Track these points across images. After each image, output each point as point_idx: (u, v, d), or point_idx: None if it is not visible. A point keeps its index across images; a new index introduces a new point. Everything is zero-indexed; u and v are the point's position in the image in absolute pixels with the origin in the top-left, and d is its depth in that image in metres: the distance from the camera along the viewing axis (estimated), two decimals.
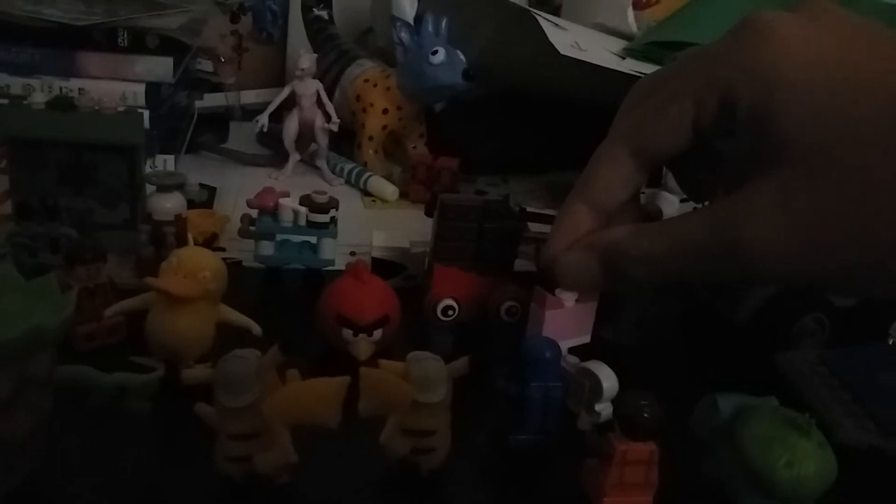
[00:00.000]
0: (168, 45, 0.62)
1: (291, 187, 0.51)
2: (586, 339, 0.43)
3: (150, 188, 0.49)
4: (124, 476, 0.32)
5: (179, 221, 0.46)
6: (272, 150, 0.70)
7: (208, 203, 0.60)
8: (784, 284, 0.27)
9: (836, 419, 0.38)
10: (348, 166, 0.68)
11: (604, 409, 0.36)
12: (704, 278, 0.31)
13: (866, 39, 0.26)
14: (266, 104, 0.68)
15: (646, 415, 0.31)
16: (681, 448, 0.33)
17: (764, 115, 0.26)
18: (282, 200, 0.47)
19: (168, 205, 0.47)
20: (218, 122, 0.76)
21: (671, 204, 0.52)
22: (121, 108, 0.48)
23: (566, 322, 0.41)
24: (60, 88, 0.61)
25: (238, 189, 0.63)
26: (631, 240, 0.30)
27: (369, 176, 0.67)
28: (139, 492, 0.31)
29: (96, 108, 0.47)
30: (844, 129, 0.24)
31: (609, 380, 0.36)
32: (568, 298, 0.41)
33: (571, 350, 0.42)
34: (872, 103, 0.24)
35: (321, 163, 0.68)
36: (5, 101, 0.57)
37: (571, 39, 0.60)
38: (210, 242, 0.50)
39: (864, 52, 0.25)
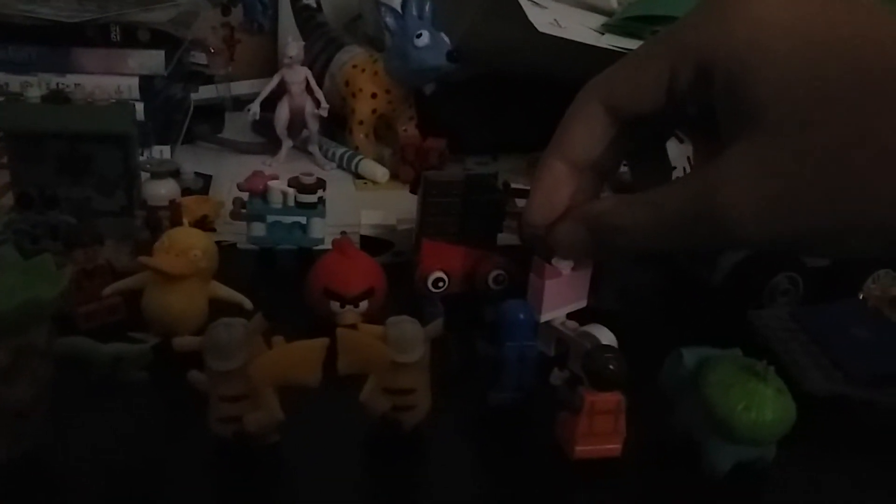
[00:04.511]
0: (159, 39, 0.64)
1: (286, 173, 0.53)
2: (583, 304, 0.45)
3: (145, 176, 0.51)
4: (124, 441, 0.34)
5: (174, 206, 0.48)
6: (266, 138, 0.72)
7: (204, 190, 0.62)
8: (762, 248, 0.27)
9: (804, 370, 0.39)
10: (340, 150, 0.70)
11: None
12: (687, 247, 0.31)
13: (842, 5, 0.26)
14: (258, 94, 0.70)
15: (611, 367, 0.32)
16: (654, 402, 0.35)
17: (739, 82, 0.26)
18: (271, 183, 0.49)
19: (162, 191, 0.49)
20: (213, 113, 0.78)
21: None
22: (113, 100, 0.50)
23: (564, 290, 0.43)
24: (57, 85, 0.63)
25: (233, 177, 0.64)
26: (615, 211, 0.30)
27: (360, 159, 0.69)
28: (139, 455, 0.33)
29: (89, 100, 0.49)
30: (817, 94, 0.24)
31: (609, 339, 0.38)
32: (565, 267, 0.43)
33: (569, 316, 0.43)
34: (842, 67, 0.24)
35: (313, 148, 0.70)
36: (2, 98, 0.59)
37: (551, 17, 0.61)
38: (201, 224, 0.52)
39: (837, 18, 0.26)
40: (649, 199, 0.29)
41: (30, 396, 0.31)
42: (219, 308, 0.40)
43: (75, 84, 0.63)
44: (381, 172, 0.68)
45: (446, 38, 0.66)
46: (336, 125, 0.72)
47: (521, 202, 0.60)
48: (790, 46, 0.25)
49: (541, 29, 0.59)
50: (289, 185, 0.50)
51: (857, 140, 0.24)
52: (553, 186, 0.33)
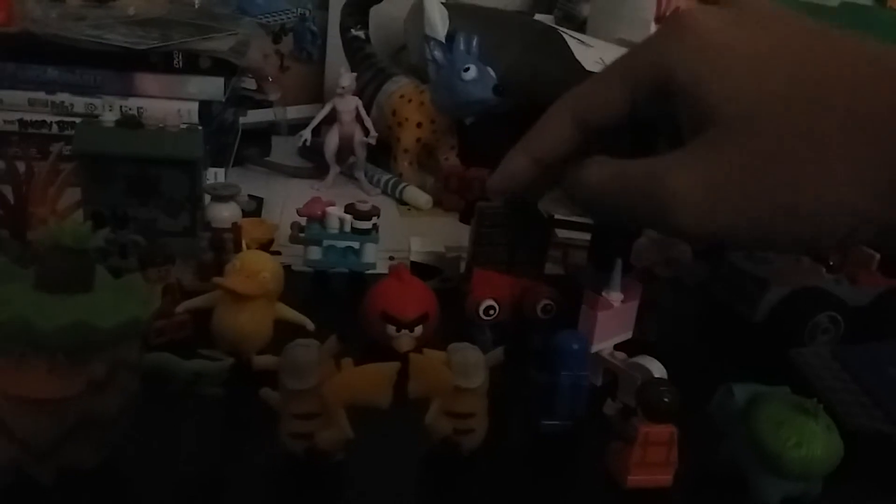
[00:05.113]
0: (219, 66, 0.67)
1: (332, 197, 0.55)
2: (629, 335, 0.46)
3: (207, 198, 0.53)
4: (193, 454, 0.36)
5: (235, 228, 0.50)
6: (313, 163, 0.75)
7: (257, 213, 0.65)
8: (698, 239, 0.31)
9: (845, 408, 0.40)
10: (385, 177, 0.73)
11: None
12: (637, 222, 0.37)
13: (782, 25, 0.30)
14: (305, 119, 0.73)
15: (666, 399, 0.34)
16: (700, 434, 0.36)
17: (692, 92, 0.30)
18: (329, 209, 0.52)
19: (225, 213, 0.51)
20: (261, 137, 0.80)
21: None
22: (182, 126, 0.53)
23: (614, 321, 0.44)
24: (120, 107, 0.66)
25: (283, 199, 0.67)
26: (583, 167, 0.34)
27: (404, 186, 0.71)
28: (212, 466, 0.35)
29: (161, 125, 0.52)
30: (761, 99, 0.28)
31: (660, 372, 0.39)
32: (615, 299, 0.44)
33: (616, 347, 0.45)
34: (783, 76, 0.28)
35: (359, 174, 0.73)
36: (77, 119, 0.62)
37: (597, 56, 0.64)
38: (267, 247, 0.54)
39: (776, 35, 0.30)
40: (613, 166, 0.33)
41: (118, 408, 0.33)
42: (282, 328, 0.42)
43: (138, 107, 0.66)
44: (424, 199, 0.70)
45: (492, 72, 0.69)
46: (380, 152, 0.75)
47: (561, 232, 0.62)
48: (735, 60, 0.29)
49: (588, 67, 0.61)
50: (345, 212, 0.52)
51: (793, 138, 0.28)
52: (513, 174, 0.38)
